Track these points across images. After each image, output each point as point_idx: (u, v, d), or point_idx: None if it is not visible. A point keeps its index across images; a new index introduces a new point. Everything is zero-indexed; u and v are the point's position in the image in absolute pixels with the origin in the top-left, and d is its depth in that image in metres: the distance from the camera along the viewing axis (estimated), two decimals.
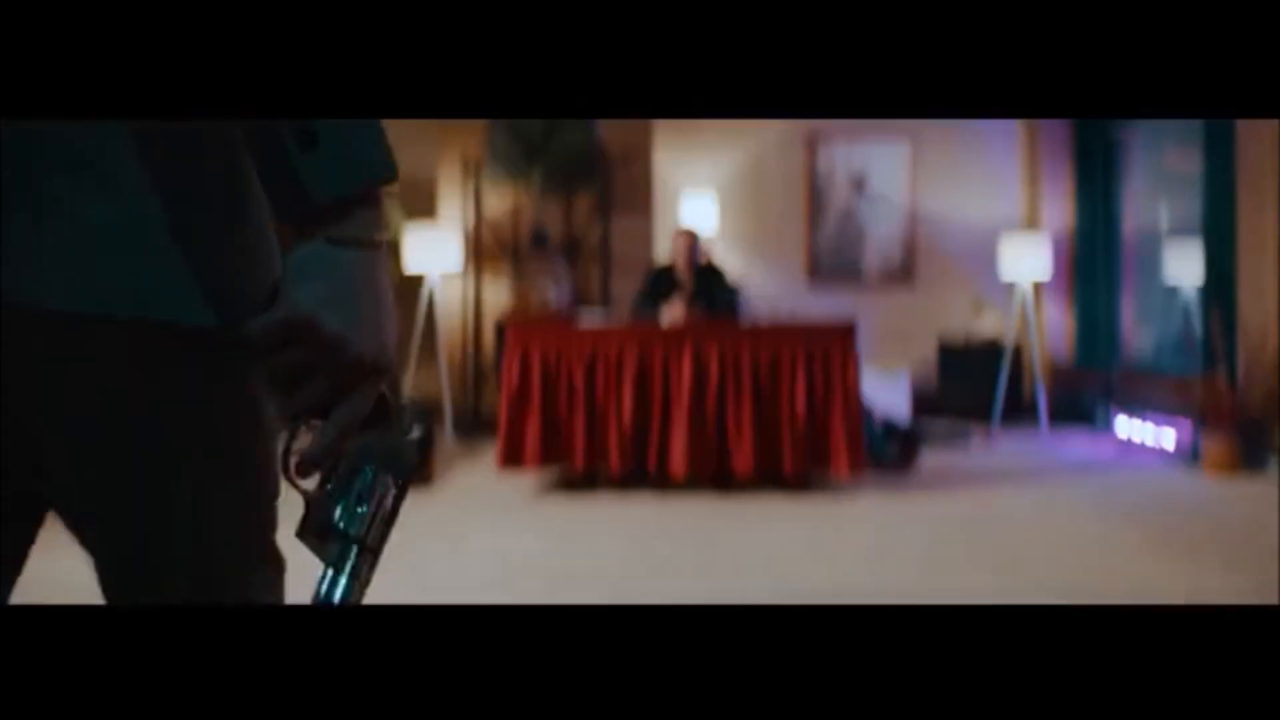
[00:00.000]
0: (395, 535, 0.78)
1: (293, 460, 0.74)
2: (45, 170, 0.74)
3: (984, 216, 7.94)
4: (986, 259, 7.64)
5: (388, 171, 0.79)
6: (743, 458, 4.97)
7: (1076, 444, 6.85)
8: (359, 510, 0.75)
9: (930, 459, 6.00)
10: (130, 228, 0.75)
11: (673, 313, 5.36)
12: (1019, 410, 7.53)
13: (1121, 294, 7.72)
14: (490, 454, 5.06)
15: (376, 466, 0.76)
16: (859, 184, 8.09)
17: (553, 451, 5.04)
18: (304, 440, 0.75)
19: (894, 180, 8.06)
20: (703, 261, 5.71)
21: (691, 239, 5.57)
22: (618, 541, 4.29)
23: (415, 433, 0.80)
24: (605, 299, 7.14)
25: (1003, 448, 6.71)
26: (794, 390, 5.00)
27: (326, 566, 0.74)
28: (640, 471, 5.06)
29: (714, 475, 5.05)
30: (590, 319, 5.58)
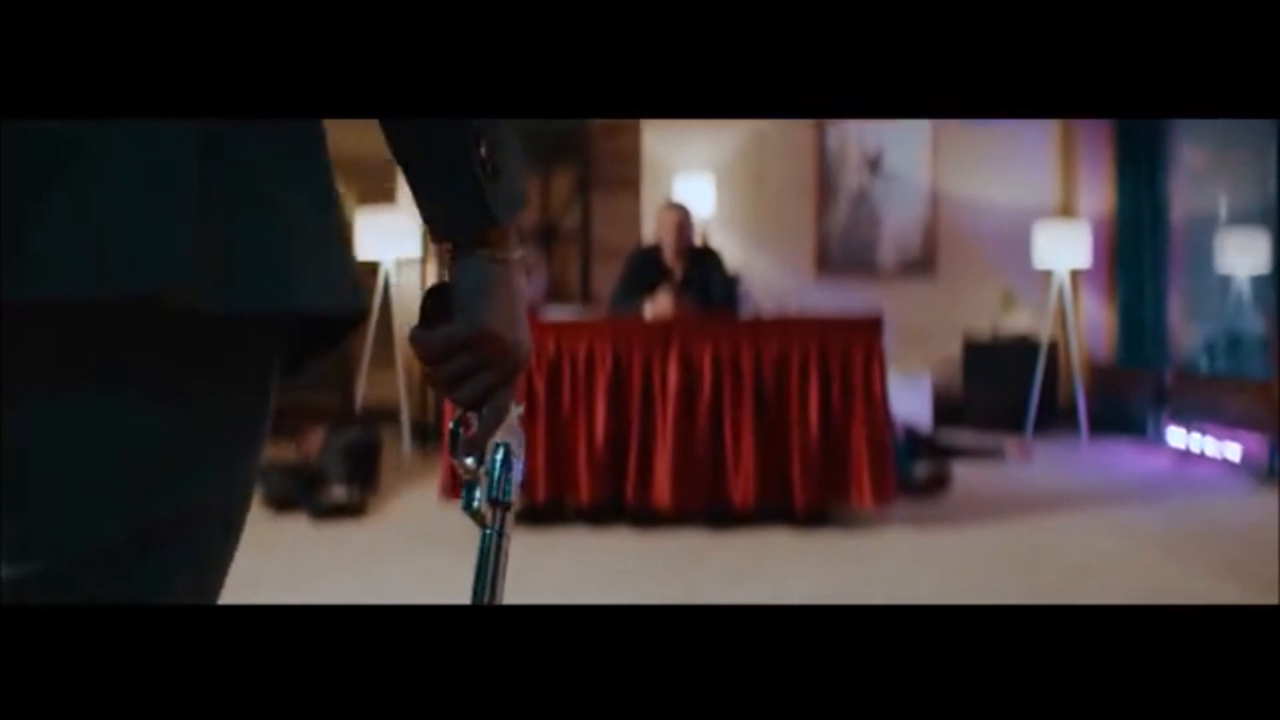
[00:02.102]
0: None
1: (461, 445, 0.85)
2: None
3: (1014, 200, 7.03)
4: (1017, 247, 6.81)
5: (526, 207, 0.89)
6: (743, 485, 3.91)
7: (1123, 456, 5.90)
8: (505, 480, 0.86)
9: (961, 476, 4.93)
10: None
11: (658, 304, 4.29)
12: (1053, 416, 6.59)
13: (1169, 287, 6.80)
14: None
15: (508, 442, 0.87)
16: (874, 163, 7.08)
17: None
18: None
19: (913, 159, 7.06)
20: (696, 243, 4.66)
21: (682, 216, 4.50)
22: (587, 587, 3.29)
23: (518, 410, 0.89)
24: (586, 292, 6.07)
25: (1041, 461, 5.71)
26: (806, 400, 3.94)
27: (487, 530, 0.85)
28: (616, 502, 3.99)
29: (707, 507, 3.97)
30: (560, 315, 4.52)
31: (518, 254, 0.87)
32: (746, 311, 4.55)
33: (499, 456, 0.86)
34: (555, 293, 6.00)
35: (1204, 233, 6.66)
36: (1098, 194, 7.11)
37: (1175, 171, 6.84)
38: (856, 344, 3.97)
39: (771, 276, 6.82)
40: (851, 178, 7.10)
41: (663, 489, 3.90)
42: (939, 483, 4.69)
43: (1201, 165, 6.80)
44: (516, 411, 0.88)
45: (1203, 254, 6.64)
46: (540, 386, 3.95)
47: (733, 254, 6.47)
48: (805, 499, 3.92)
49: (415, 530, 4.05)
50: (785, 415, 3.95)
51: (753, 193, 7.06)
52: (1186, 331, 6.92)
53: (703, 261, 4.53)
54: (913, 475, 4.70)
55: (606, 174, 6.27)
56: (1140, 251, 6.88)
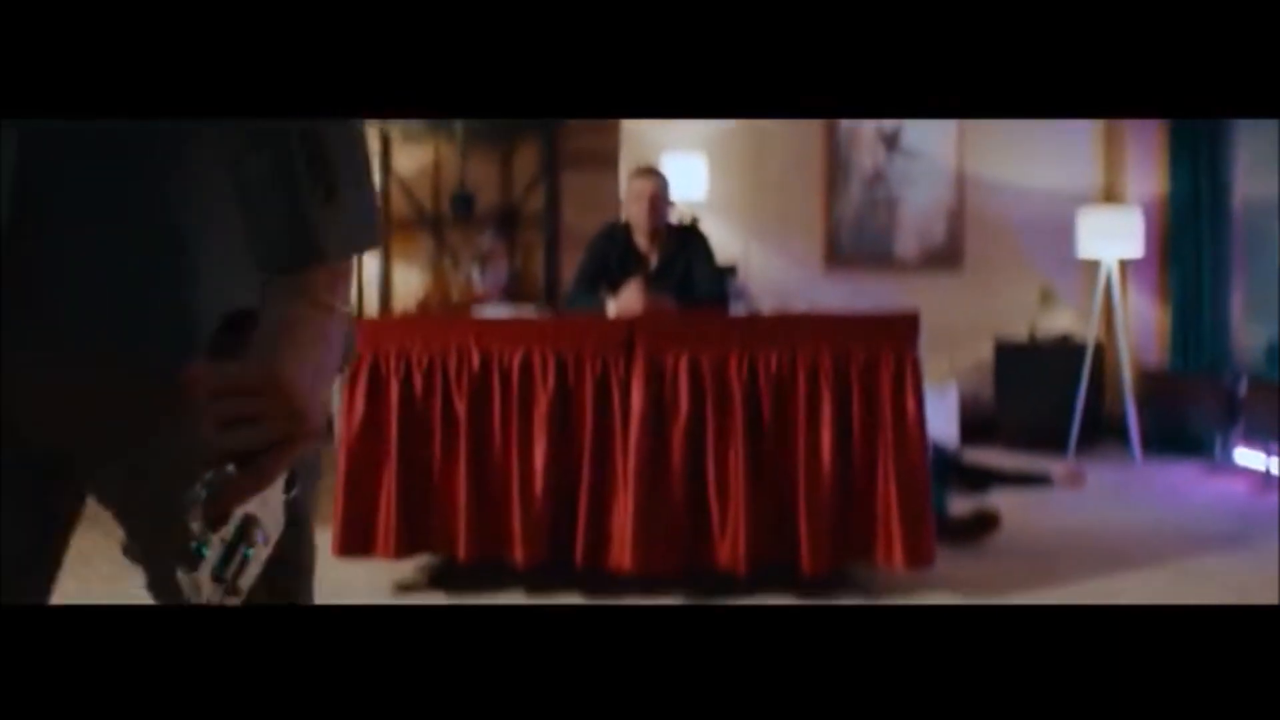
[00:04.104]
0: None
1: (196, 502, 0.72)
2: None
3: (1052, 182, 6.14)
4: (1056, 235, 5.89)
5: (378, 242, 0.75)
6: (731, 541, 2.86)
7: (1187, 480, 4.93)
8: (240, 559, 0.74)
9: (1003, 511, 3.83)
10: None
11: (625, 299, 3.24)
12: (1098, 432, 5.60)
13: (1230, 283, 5.80)
14: None
15: (259, 518, 0.75)
16: (891, 140, 6.06)
17: (420, 531, 2.93)
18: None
19: (936, 135, 6.08)
20: (676, 221, 3.62)
21: (657, 185, 3.44)
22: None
23: (293, 492, 0.77)
24: (552, 288, 5.03)
25: (1092, 488, 4.72)
26: (817, 426, 2.90)
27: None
28: (562, 563, 2.94)
29: (683, 570, 2.93)
30: (495, 313, 3.47)
31: (345, 305, 0.72)
32: (739, 311, 3.50)
33: (245, 531, 0.72)
34: (516, 289, 4.96)
35: (1269, 220, 5.65)
36: (1148, 176, 6.09)
37: (1237, 151, 5.82)
38: (884, 352, 2.92)
39: (773, 270, 5.82)
40: (865, 156, 6.08)
41: (623, 546, 2.84)
42: (985, 525, 3.64)
43: (1267, 144, 5.78)
44: (285, 495, 0.75)
45: (1268, 244, 5.64)
46: (461, 410, 2.90)
47: (728, 245, 5.46)
48: (815, 560, 2.85)
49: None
50: (789, 447, 2.90)
51: (751, 174, 6.04)
52: (1249, 333, 5.91)
53: (684, 244, 3.47)
54: (947, 513, 3.66)
55: (578, 148, 5.23)
56: (1197, 242, 5.90)
